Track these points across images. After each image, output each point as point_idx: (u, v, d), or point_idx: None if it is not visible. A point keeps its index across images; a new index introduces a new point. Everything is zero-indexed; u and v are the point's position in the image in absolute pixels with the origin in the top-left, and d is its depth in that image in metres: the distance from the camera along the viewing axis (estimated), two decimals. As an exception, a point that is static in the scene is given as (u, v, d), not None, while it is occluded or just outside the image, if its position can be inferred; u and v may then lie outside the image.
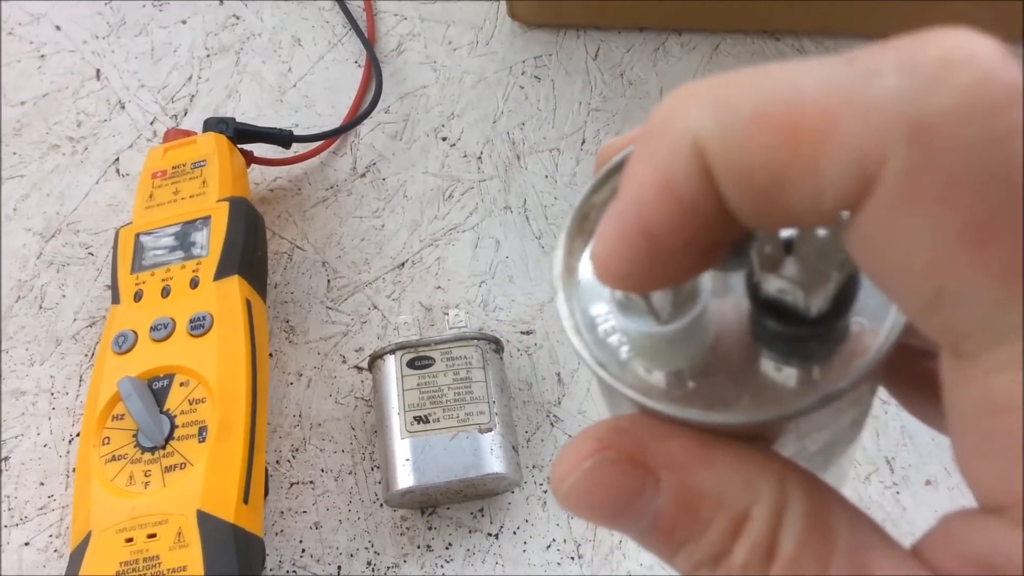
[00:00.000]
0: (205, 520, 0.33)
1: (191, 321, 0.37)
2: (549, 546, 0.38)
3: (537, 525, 0.39)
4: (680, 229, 0.13)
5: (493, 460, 0.37)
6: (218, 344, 0.37)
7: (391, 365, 0.39)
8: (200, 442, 0.35)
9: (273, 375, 0.43)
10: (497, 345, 0.40)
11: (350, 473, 0.40)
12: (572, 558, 0.38)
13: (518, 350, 0.43)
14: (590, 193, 0.16)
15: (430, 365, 0.39)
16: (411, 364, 0.39)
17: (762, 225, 0.13)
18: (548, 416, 0.41)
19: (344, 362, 0.43)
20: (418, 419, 0.37)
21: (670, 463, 0.13)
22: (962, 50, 0.11)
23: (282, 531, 0.39)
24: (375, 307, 0.45)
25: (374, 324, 0.44)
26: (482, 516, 0.39)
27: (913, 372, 0.17)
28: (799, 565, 0.13)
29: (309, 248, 0.46)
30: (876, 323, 0.13)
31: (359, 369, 0.43)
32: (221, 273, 0.39)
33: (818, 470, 0.16)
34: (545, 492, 0.39)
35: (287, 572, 0.38)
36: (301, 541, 0.38)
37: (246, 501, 0.35)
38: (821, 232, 0.13)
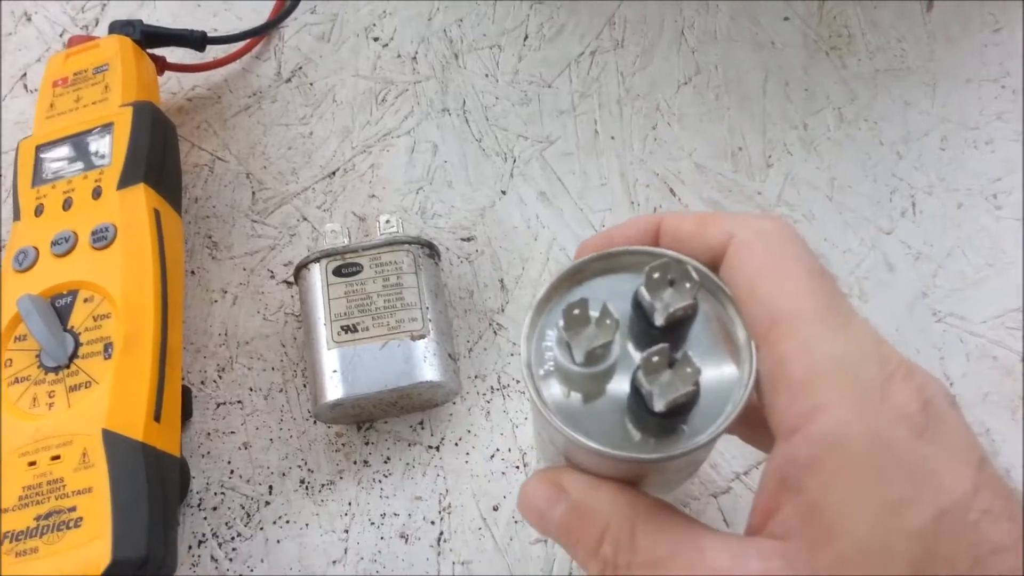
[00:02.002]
0: (111, 439, 0.31)
1: (93, 233, 0.35)
2: (493, 456, 0.36)
3: (480, 435, 0.37)
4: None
5: (426, 368, 0.34)
6: (122, 256, 0.34)
7: (316, 274, 0.36)
8: (106, 359, 0.32)
9: (196, 293, 0.40)
10: (431, 250, 0.38)
11: (280, 391, 0.38)
12: (517, 467, 0.36)
13: (459, 257, 0.41)
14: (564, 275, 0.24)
15: (358, 272, 0.36)
16: (337, 272, 0.36)
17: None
18: (491, 324, 0.39)
19: (272, 277, 0.40)
20: (345, 328, 0.35)
21: (572, 485, 0.23)
22: None
23: (208, 453, 0.36)
24: (304, 219, 0.42)
25: (303, 236, 0.41)
26: (422, 429, 0.37)
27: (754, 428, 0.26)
28: (649, 551, 0.21)
29: (231, 159, 0.43)
30: (695, 433, 0.21)
31: (288, 284, 0.40)
32: (125, 182, 0.36)
33: (663, 492, 0.25)
34: (488, 402, 0.37)
35: (215, 494, 0.36)
36: (229, 462, 0.36)
37: (158, 419, 0.32)
38: (691, 367, 0.20)
